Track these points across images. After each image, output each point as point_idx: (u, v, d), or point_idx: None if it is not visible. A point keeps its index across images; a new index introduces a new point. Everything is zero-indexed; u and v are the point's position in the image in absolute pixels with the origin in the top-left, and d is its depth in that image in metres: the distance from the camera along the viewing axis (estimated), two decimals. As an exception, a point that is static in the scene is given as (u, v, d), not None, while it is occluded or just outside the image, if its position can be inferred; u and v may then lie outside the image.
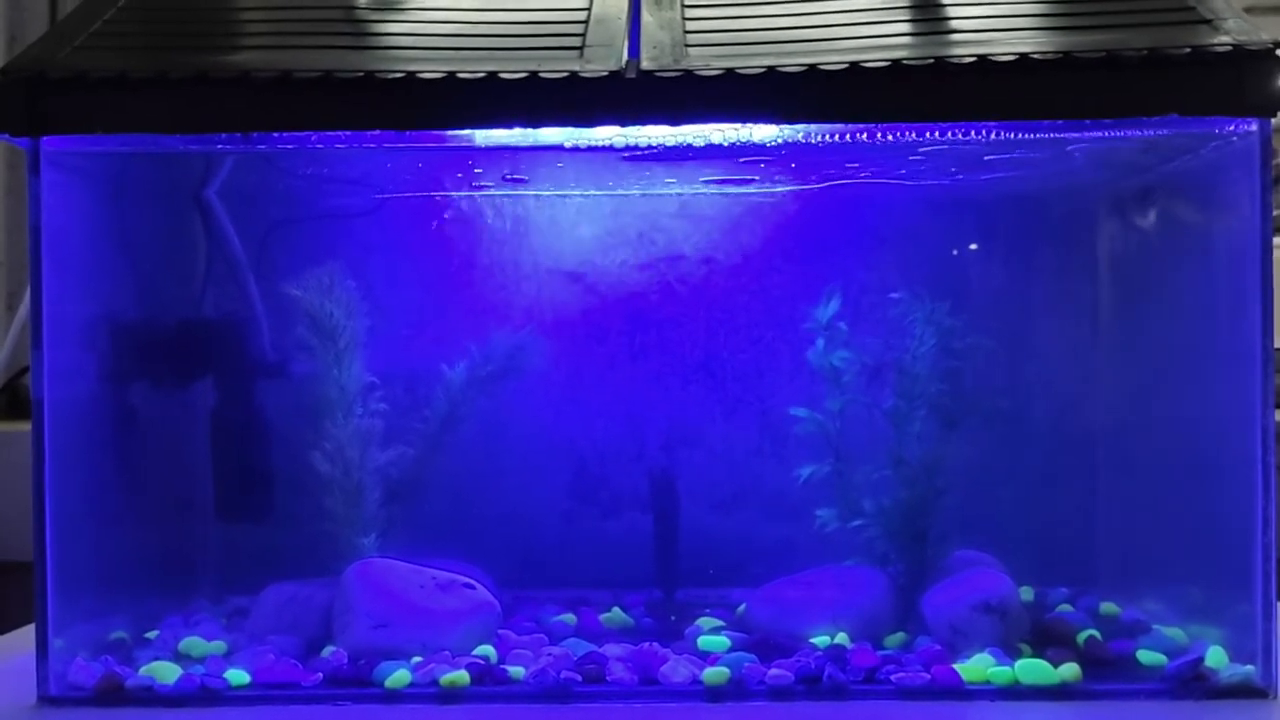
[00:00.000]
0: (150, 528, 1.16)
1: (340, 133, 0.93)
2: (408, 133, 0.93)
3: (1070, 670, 0.95)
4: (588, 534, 1.25)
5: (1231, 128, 0.92)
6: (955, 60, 0.90)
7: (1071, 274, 1.21)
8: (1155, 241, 1.12)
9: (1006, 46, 0.90)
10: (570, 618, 1.15)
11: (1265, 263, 0.97)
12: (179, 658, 1.06)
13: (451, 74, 0.90)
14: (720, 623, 1.12)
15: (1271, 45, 0.90)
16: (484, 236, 1.22)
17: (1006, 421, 1.14)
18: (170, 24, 1.03)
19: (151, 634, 1.12)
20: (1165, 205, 1.09)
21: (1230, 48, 0.90)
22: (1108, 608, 1.19)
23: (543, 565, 1.24)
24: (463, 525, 1.18)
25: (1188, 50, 0.90)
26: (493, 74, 0.91)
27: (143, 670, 0.97)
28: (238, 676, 0.97)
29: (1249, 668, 0.94)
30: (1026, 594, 1.25)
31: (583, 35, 0.96)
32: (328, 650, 1.03)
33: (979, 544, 1.18)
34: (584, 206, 1.21)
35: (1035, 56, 0.89)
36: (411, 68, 0.91)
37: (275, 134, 0.93)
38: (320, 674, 0.98)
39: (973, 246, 1.20)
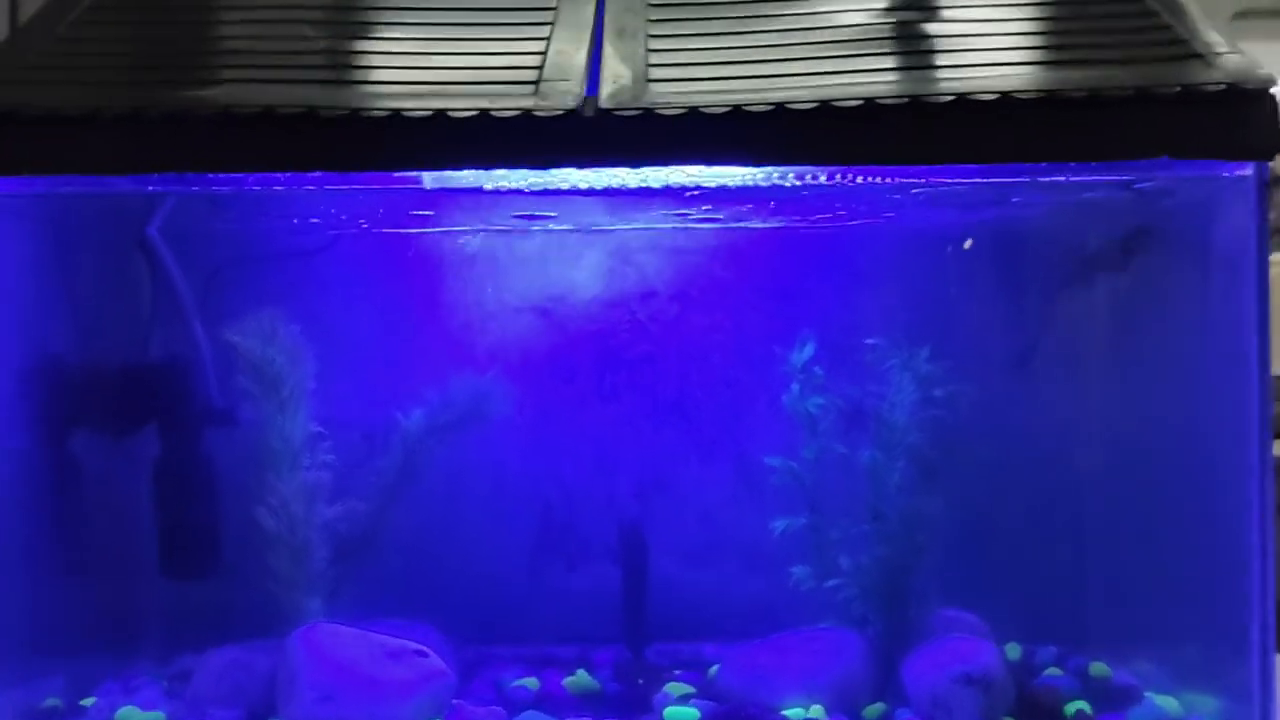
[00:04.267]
0: (86, 585, 1.10)
1: (280, 174, 0.88)
2: (352, 175, 0.88)
3: (1058, 752, 0.89)
4: (553, 588, 1.19)
5: (1225, 172, 0.87)
6: (932, 99, 0.85)
7: (1057, 321, 1.15)
8: (1142, 289, 1.07)
9: (986, 84, 0.85)
10: (533, 682, 1.08)
11: (1262, 309, 0.91)
12: (113, 733, 1.00)
13: (397, 112, 0.85)
14: (690, 689, 1.06)
15: (1268, 84, 0.85)
16: (445, 273, 1.16)
17: (990, 472, 1.09)
18: (106, 57, 0.97)
19: (88, 701, 1.05)
20: (1155, 249, 1.04)
21: (1224, 86, 0.84)
22: (1098, 668, 1.13)
23: (505, 621, 1.17)
24: (419, 582, 1.11)
25: (1178, 89, 0.85)
26: (440, 112, 0.85)
27: (69, 751, 0.92)
28: (170, 758, 0.91)
29: (1248, 751, 0.89)
30: (1013, 652, 1.19)
31: (539, 69, 0.91)
32: (269, 725, 0.97)
33: (963, 600, 1.12)
34: (549, 241, 1.15)
35: (1017, 95, 0.84)
36: (356, 104, 0.85)
37: (210, 175, 0.88)
38: (261, 756, 0.92)
39: (955, 287, 1.14)
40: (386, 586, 1.08)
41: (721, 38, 0.96)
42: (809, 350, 1.06)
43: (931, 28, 0.91)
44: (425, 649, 1.01)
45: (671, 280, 1.18)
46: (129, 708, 1.03)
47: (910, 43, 0.92)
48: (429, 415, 1.07)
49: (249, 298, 1.07)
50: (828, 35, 0.93)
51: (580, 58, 0.91)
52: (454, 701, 1.00)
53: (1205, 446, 0.98)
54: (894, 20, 0.93)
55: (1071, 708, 0.99)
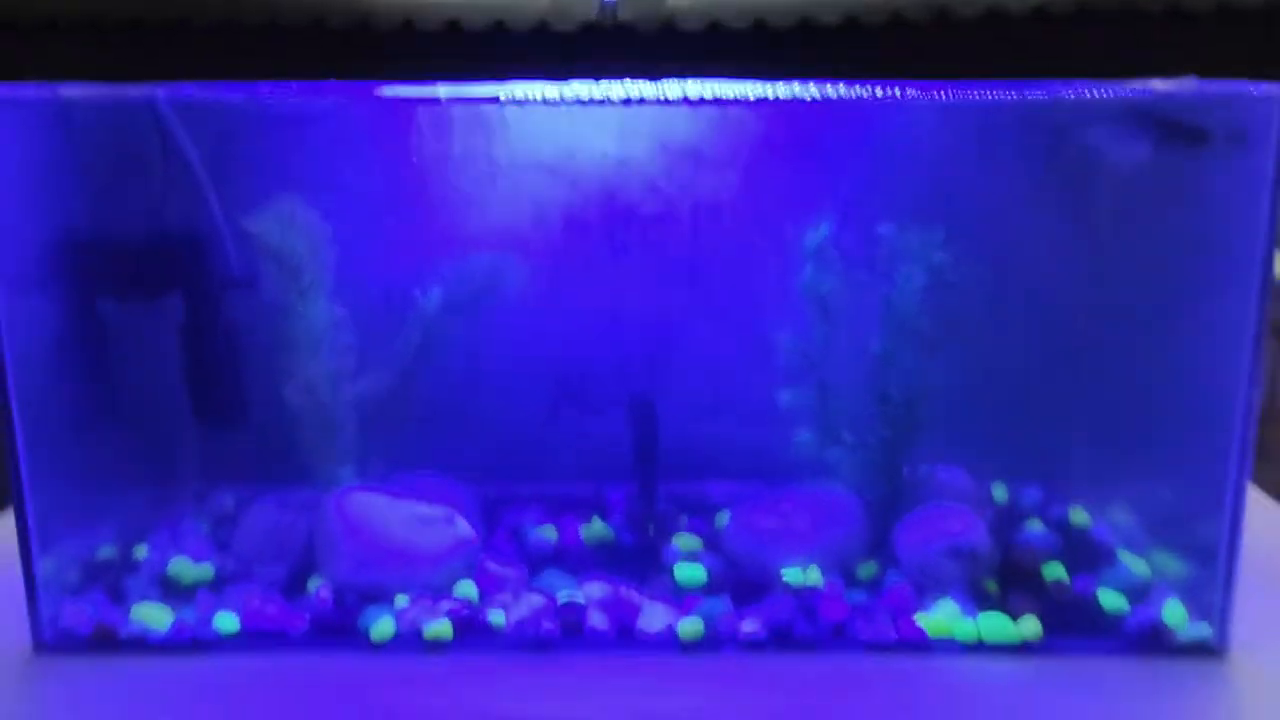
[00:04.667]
0: (131, 440, 1.16)
1: (290, 82, 0.84)
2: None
3: (1030, 627, 0.98)
4: (570, 432, 1.25)
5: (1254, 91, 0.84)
6: (961, 11, 0.81)
7: (1063, 199, 1.14)
8: (1155, 179, 1.05)
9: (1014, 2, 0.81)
10: (551, 531, 1.17)
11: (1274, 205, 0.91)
12: (168, 584, 1.09)
13: (408, 21, 0.81)
14: (698, 542, 1.15)
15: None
16: (456, 139, 1.13)
17: (989, 335, 1.12)
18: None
19: (140, 551, 1.14)
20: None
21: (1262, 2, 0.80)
22: (1078, 516, 1.22)
23: (525, 464, 1.24)
24: (444, 439, 1.17)
25: (1214, 5, 0.80)
26: (453, 23, 0.81)
27: (135, 616, 1.01)
28: (227, 623, 1.00)
29: (1205, 627, 0.98)
30: (1000, 493, 1.27)
31: None
32: (313, 583, 1.06)
33: (959, 449, 1.19)
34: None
35: (1050, 9, 0.80)
36: (367, 12, 0.81)
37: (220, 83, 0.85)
38: (307, 616, 1.01)
39: (982, 169, 1.11)
40: (414, 447, 1.14)
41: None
42: (824, 231, 1.06)
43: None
44: (454, 513, 1.08)
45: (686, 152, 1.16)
46: (181, 560, 1.12)
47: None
48: (447, 291, 1.09)
49: (259, 167, 1.06)
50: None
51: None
52: (480, 560, 1.08)
53: (1202, 317, 1.01)
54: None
55: (1049, 572, 1.08)
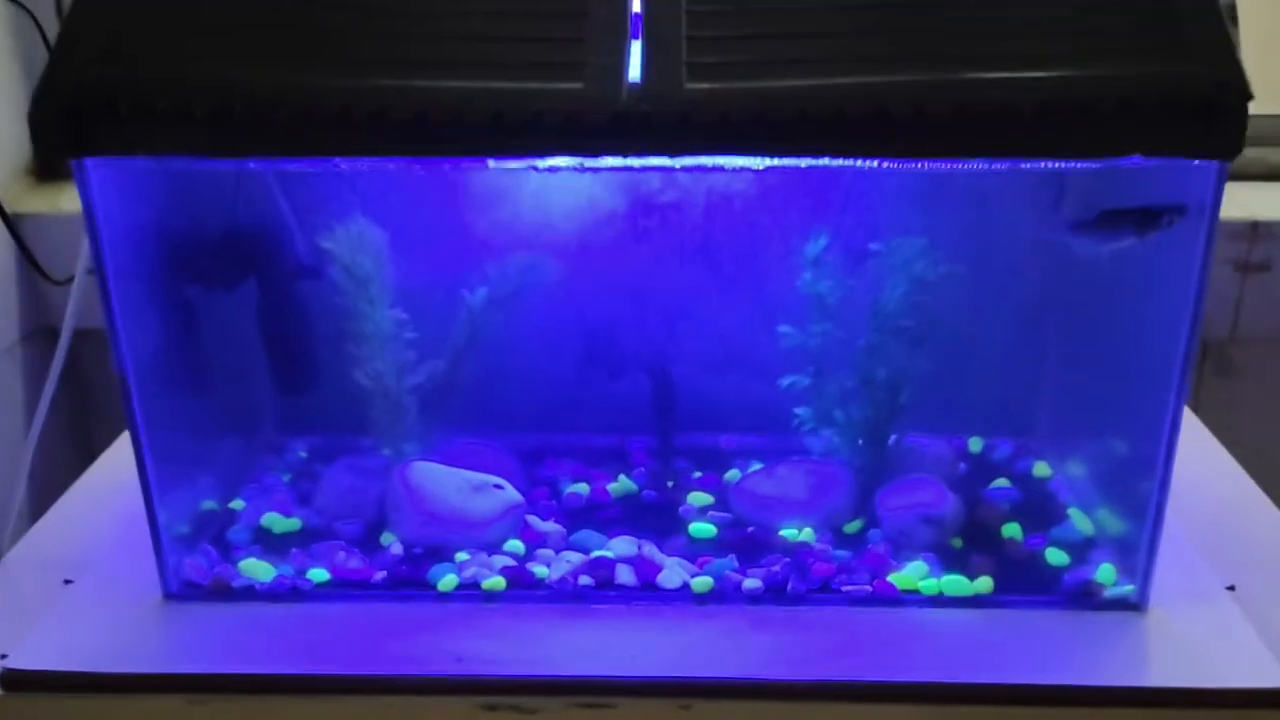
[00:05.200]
0: (224, 408, 1.35)
1: (356, 159, 1.00)
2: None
3: (984, 583, 1.18)
4: (598, 393, 1.43)
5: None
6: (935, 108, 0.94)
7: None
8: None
9: (988, 95, 0.94)
10: (584, 488, 1.37)
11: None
12: (262, 534, 1.30)
13: (459, 115, 0.95)
14: (709, 498, 1.34)
15: (1241, 92, 0.93)
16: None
17: (966, 324, 1.28)
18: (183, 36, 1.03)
19: (237, 504, 1.34)
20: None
21: (1201, 95, 0.93)
22: (1040, 469, 1.41)
23: (561, 421, 1.43)
24: (491, 413, 1.36)
25: (1159, 95, 0.93)
26: (497, 114, 0.95)
27: (243, 569, 1.21)
28: (318, 575, 1.21)
29: (1130, 586, 1.17)
30: (976, 445, 1.46)
31: (581, 65, 0.98)
32: (386, 538, 1.26)
33: (942, 414, 1.36)
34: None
35: (1018, 104, 0.94)
36: (423, 105, 0.95)
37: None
38: (384, 569, 1.22)
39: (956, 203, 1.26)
40: (465, 421, 1.33)
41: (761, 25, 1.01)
42: (822, 243, 1.22)
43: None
44: (503, 482, 1.28)
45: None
46: (272, 514, 1.33)
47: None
48: (490, 288, 1.26)
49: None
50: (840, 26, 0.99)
51: (621, 50, 0.98)
52: (525, 518, 1.28)
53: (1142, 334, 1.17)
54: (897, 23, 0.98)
55: (1007, 530, 1.27)
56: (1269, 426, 1.99)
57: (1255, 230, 1.83)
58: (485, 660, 1.10)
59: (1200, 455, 1.51)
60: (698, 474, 1.39)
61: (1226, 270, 1.84)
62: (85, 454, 1.95)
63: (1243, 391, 1.99)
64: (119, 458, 1.52)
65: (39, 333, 1.88)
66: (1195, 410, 1.69)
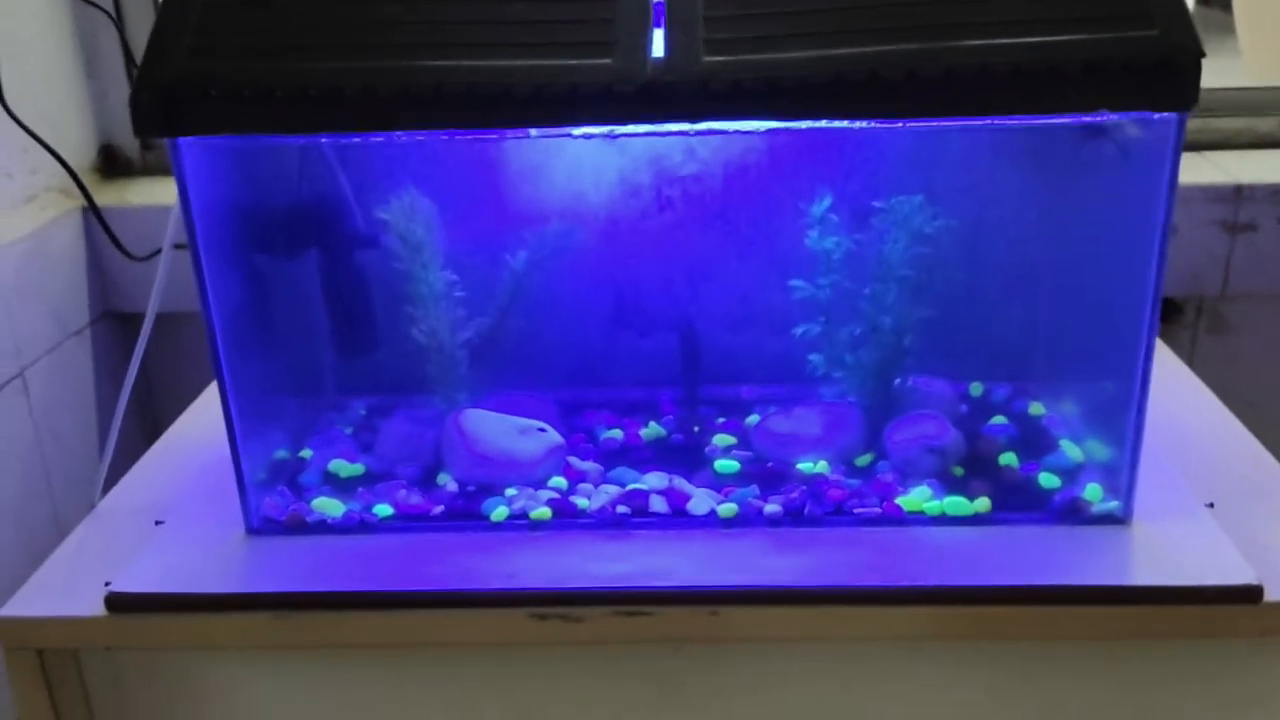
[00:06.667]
0: (295, 365, 1.50)
1: (416, 131, 1.14)
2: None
3: (982, 503, 1.30)
4: (629, 348, 1.56)
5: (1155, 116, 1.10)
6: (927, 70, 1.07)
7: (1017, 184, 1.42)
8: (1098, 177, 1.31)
9: (969, 57, 1.07)
10: (618, 433, 1.50)
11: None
12: (330, 478, 1.44)
13: (507, 89, 1.09)
14: (732, 439, 1.47)
15: (1195, 52, 1.05)
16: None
17: (965, 276, 1.41)
18: (260, 30, 1.17)
19: (306, 453, 1.49)
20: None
21: (1159, 56, 1.06)
22: (1036, 408, 1.53)
23: (596, 376, 1.57)
24: (533, 366, 1.50)
25: (1123, 57, 1.06)
26: (539, 87, 1.09)
27: (315, 506, 1.35)
28: (383, 510, 1.35)
29: (1115, 502, 1.29)
30: (976, 389, 1.58)
31: (609, 44, 1.11)
32: (442, 479, 1.40)
33: (945, 360, 1.49)
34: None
35: (997, 68, 1.06)
36: (470, 80, 1.09)
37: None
38: (442, 504, 1.35)
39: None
40: (511, 373, 1.47)
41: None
42: (827, 202, 1.35)
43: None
44: (545, 426, 1.41)
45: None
46: (338, 460, 1.47)
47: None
48: (530, 253, 1.40)
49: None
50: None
51: (646, 29, 1.11)
52: (566, 459, 1.42)
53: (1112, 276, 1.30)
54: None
55: (1004, 459, 1.39)
56: (1262, 378, 2.11)
57: (1240, 193, 1.95)
58: (534, 575, 1.24)
59: (1187, 398, 1.63)
60: (721, 419, 1.53)
61: (1215, 231, 1.97)
62: (150, 425, 2.11)
63: (1235, 346, 2.11)
64: (184, 428, 1.67)
65: (106, 317, 2.04)
66: (1191, 366, 1.81)
